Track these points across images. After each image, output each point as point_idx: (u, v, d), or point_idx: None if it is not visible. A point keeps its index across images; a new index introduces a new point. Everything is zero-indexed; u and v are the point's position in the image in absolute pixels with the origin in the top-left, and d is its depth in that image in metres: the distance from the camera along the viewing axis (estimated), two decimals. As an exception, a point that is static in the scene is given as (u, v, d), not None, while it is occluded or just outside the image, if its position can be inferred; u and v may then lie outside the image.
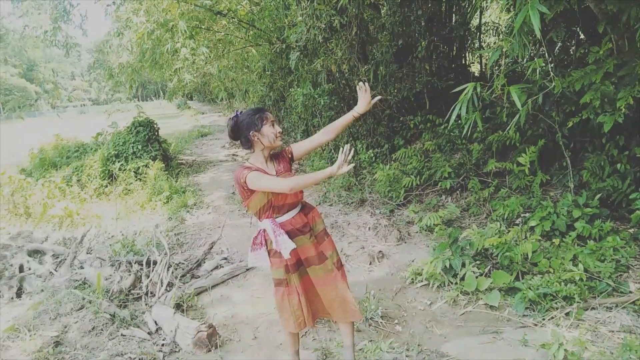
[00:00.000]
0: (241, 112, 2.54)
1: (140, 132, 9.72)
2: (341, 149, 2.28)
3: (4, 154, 14.26)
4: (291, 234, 2.54)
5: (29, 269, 4.89)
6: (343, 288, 2.65)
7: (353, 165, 2.34)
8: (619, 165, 4.49)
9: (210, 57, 10.39)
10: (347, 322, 2.76)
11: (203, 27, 9.93)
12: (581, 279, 3.47)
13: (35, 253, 5.32)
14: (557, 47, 5.77)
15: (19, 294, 4.46)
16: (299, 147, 2.67)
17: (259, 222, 2.58)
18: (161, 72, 12.34)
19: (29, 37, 10.31)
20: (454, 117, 3.48)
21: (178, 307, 3.90)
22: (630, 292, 3.41)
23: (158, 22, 8.81)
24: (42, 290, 4.31)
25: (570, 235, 4.12)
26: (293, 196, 2.54)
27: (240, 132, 2.50)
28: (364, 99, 2.53)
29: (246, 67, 12.58)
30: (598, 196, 4.46)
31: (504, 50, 3.77)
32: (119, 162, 9.07)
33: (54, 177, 8.50)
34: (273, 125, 2.49)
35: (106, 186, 8.70)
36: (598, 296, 3.42)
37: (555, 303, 3.37)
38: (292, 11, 8.68)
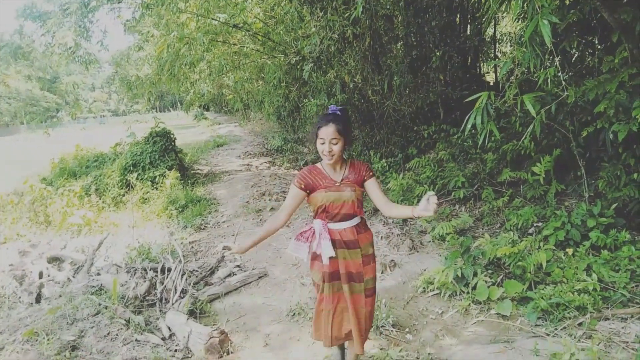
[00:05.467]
0: (331, 110, 2.59)
1: (157, 142, 9.90)
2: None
3: (26, 163, 14.63)
4: (336, 244, 2.59)
5: (48, 275, 5.02)
6: (362, 315, 2.65)
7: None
8: (635, 175, 4.41)
9: (226, 69, 10.57)
10: (352, 352, 2.79)
11: (219, 40, 10.11)
12: (595, 289, 3.42)
13: (54, 260, 5.45)
14: (574, 57, 5.75)
15: (38, 300, 4.56)
16: (372, 189, 2.63)
17: (314, 220, 2.67)
18: (178, 85, 12.59)
19: (53, 54, 10.65)
20: (469, 126, 3.49)
21: (191, 313, 3.96)
22: (646, 303, 3.36)
23: (176, 35, 9.02)
24: (60, 296, 4.41)
25: (584, 245, 4.08)
26: (349, 207, 2.57)
27: None
28: (425, 205, 2.29)
29: (261, 78, 12.75)
30: (614, 206, 4.40)
31: (516, 60, 3.78)
32: (136, 171, 9.23)
33: (74, 186, 8.69)
34: (323, 142, 2.50)
35: (123, 195, 8.86)
36: (612, 306, 3.37)
37: (568, 313, 3.33)
38: (306, 22, 8.80)
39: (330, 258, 2.57)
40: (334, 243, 2.58)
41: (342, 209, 2.57)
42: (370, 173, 2.64)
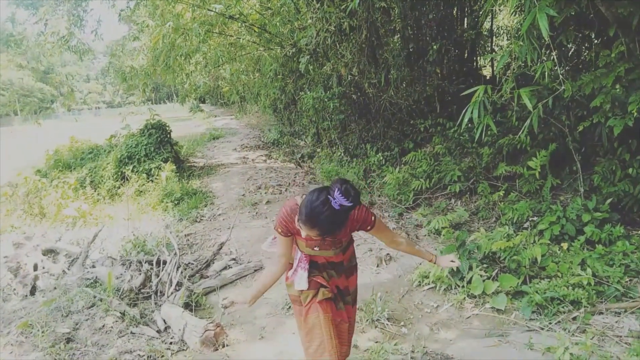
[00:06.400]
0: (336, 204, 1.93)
1: (152, 135, 9.83)
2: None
3: (21, 155, 14.52)
4: (321, 267, 2.40)
5: (43, 267, 4.99)
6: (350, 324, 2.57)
7: None
8: (630, 170, 4.43)
9: (222, 60, 10.50)
10: None
11: (215, 31, 10.02)
12: (589, 284, 3.44)
13: (49, 252, 5.43)
14: (570, 51, 5.74)
15: (32, 292, 4.55)
16: (378, 235, 2.39)
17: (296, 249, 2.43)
18: (173, 76, 12.51)
19: (45, 42, 10.53)
20: (465, 120, 3.48)
21: (187, 306, 3.95)
22: (640, 297, 3.38)
23: (172, 26, 8.94)
24: (55, 288, 4.40)
25: (579, 240, 4.10)
26: (336, 258, 2.40)
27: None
28: (448, 261, 2.44)
29: (258, 70, 12.68)
30: (609, 201, 4.42)
31: (513, 53, 3.77)
32: (131, 163, 9.18)
33: (68, 178, 8.64)
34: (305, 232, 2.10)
35: (119, 187, 8.81)
36: (606, 301, 3.40)
37: (563, 307, 3.35)
38: (302, 14, 8.75)
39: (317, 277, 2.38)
40: (318, 267, 2.38)
41: (330, 258, 2.38)
42: (369, 227, 2.26)
